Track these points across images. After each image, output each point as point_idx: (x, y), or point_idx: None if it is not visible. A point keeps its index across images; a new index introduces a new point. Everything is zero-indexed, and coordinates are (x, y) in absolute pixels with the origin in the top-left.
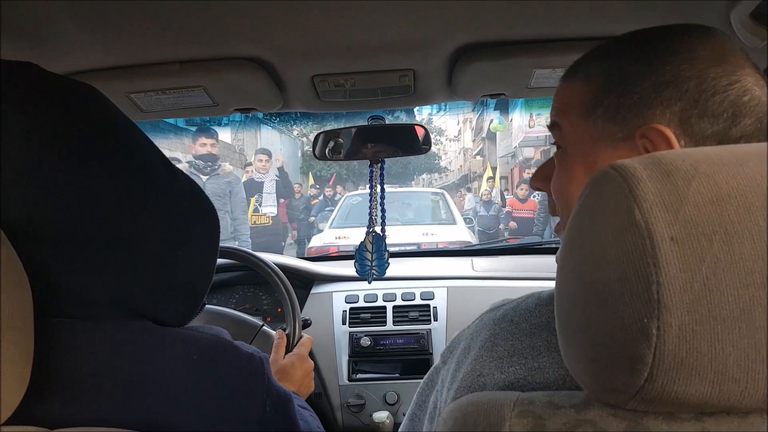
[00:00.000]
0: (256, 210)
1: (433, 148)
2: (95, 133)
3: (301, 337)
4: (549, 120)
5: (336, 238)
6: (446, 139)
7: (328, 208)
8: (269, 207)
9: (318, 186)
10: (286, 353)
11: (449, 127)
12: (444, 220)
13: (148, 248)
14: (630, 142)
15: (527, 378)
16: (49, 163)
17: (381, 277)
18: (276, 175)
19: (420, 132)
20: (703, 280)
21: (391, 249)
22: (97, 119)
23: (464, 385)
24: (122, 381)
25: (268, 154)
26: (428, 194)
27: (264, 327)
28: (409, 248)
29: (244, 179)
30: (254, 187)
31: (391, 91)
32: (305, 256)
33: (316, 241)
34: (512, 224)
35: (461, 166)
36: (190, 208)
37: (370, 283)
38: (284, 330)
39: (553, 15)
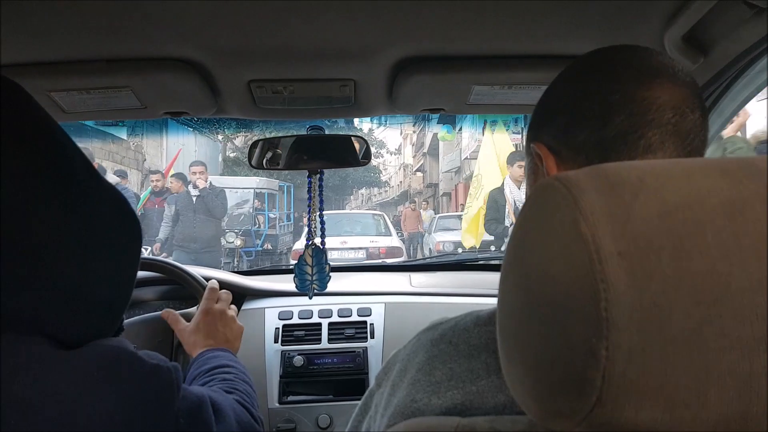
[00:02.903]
0: None
1: (373, 162)
2: (15, 131)
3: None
4: None
5: None
6: (387, 152)
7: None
8: None
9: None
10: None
11: (389, 142)
12: (383, 233)
13: (59, 257)
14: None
15: (465, 404)
16: None
17: (322, 291)
18: None
19: (360, 144)
20: (653, 298)
21: (338, 258)
22: (17, 117)
23: (398, 411)
24: (12, 401)
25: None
26: (371, 215)
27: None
28: (353, 255)
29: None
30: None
31: (331, 100)
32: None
33: (297, 245)
34: None
35: (401, 182)
36: (112, 217)
37: (311, 298)
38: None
39: (492, 31)
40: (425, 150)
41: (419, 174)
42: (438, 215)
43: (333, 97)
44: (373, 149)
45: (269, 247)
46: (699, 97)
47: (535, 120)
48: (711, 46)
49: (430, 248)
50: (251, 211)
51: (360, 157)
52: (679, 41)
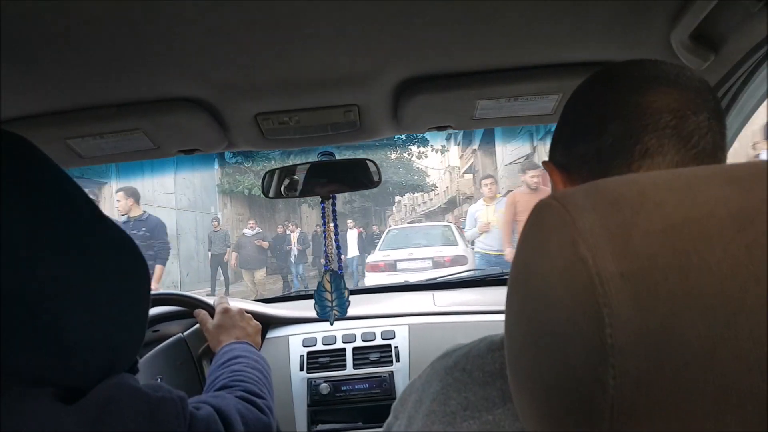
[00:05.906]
0: None
1: (416, 164)
2: (20, 183)
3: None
4: None
5: (383, 256)
6: (432, 150)
7: None
8: None
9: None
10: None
11: (433, 141)
12: (450, 243)
13: (64, 308)
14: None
15: None
16: None
17: (343, 317)
18: None
19: (371, 166)
20: (661, 321)
21: (406, 269)
22: (22, 168)
23: None
24: None
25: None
26: (441, 226)
27: (184, 333)
28: (419, 264)
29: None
30: None
31: (337, 126)
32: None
33: (370, 259)
34: None
35: (447, 187)
36: (119, 260)
37: (332, 324)
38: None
39: (493, 45)
40: (475, 146)
41: (468, 176)
42: None
43: (338, 123)
44: (415, 148)
45: None
46: (706, 99)
47: (552, 140)
48: (720, 43)
49: None
50: None
51: (372, 179)
52: (686, 40)
